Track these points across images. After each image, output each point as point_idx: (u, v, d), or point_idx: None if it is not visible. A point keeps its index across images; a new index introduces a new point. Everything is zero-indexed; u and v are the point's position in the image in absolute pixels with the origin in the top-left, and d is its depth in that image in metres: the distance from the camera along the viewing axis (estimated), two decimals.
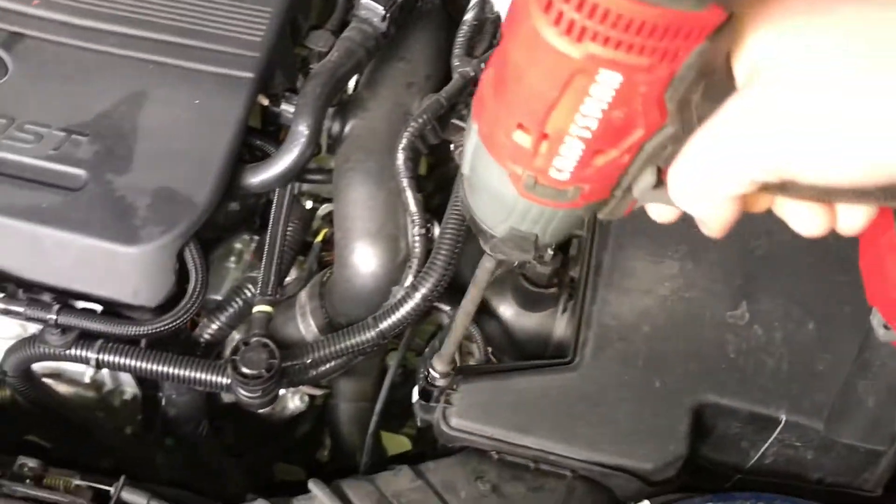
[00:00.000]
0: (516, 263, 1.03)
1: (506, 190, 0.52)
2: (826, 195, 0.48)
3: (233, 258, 1.12)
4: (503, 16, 1.03)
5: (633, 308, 0.98)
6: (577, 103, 0.44)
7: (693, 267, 1.00)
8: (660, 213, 0.55)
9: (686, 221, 1.03)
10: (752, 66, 0.46)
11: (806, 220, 0.51)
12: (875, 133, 0.43)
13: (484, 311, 1.11)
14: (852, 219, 0.51)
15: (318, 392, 1.19)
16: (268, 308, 0.97)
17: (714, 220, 0.51)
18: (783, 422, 0.94)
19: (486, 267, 0.71)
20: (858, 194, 0.47)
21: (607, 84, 0.43)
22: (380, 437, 1.24)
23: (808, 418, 0.94)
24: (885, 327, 0.60)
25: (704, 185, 0.48)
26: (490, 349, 1.10)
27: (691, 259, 1.01)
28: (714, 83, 0.46)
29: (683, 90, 0.44)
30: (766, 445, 0.98)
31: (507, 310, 1.10)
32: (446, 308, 1.04)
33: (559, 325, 1.08)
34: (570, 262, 1.10)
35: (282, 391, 1.14)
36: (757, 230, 1.02)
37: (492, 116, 0.49)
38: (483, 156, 0.52)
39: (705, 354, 0.96)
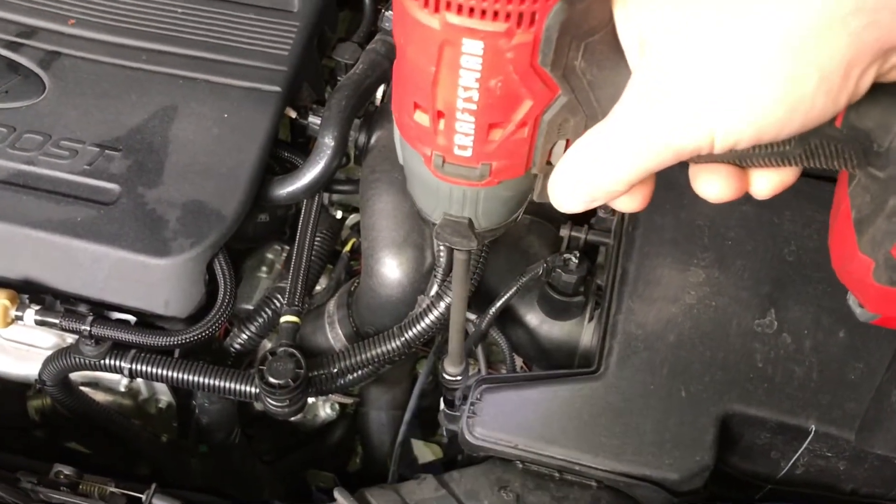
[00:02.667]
0: (541, 272, 1.03)
1: (426, 173, 0.53)
2: (741, 159, 0.49)
3: (264, 268, 1.14)
4: None
5: (658, 317, 0.97)
6: (454, 76, 0.46)
7: (720, 275, 0.99)
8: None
9: (712, 229, 1.02)
10: (639, 38, 0.46)
11: (717, 187, 0.52)
12: (760, 76, 0.43)
13: (511, 320, 1.11)
14: (764, 182, 0.52)
15: (348, 401, 1.20)
16: (295, 318, 0.99)
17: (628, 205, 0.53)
18: (813, 432, 0.93)
19: (458, 258, 0.70)
20: (774, 154, 0.48)
21: (473, 53, 0.44)
22: (409, 445, 1.25)
23: (838, 429, 0.92)
24: (861, 307, 0.59)
25: (606, 175, 0.49)
26: (519, 358, 1.10)
27: (718, 267, 1.00)
28: (597, 48, 0.47)
29: (554, 55, 0.45)
30: (797, 456, 0.96)
31: (533, 318, 1.10)
32: (472, 317, 1.05)
33: (586, 334, 1.08)
34: (596, 270, 1.10)
35: (311, 400, 1.16)
36: (786, 235, 1.01)
37: (397, 99, 0.52)
38: (404, 143, 0.53)
39: (732, 363, 0.95)
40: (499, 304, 1.02)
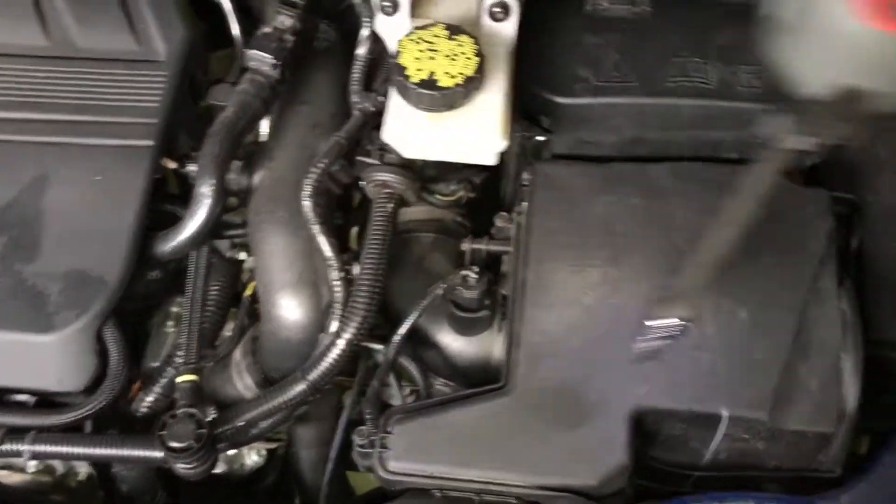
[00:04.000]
0: (441, 293, 1.01)
1: (848, 26, 0.45)
2: None
3: (170, 322, 1.11)
4: (391, 48, 1.01)
5: (559, 322, 0.97)
6: None
7: (616, 271, 0.99)
8: None
9: (605, 226, 1.02)
10: None
11: None
12: None
13: (423, 342, 1.09)
14: None
15: (273, 445, 1.18)
16: (191, 377, 0.96)
17: None
18: (726, 418, 0.92)
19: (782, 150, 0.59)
20: None
21: None
22: (345, 480, 1.23)
23: (750, 410, 0.92)
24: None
25: None
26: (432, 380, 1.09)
27: (613, 264, 0.99)
28: None
29: None
30: (715, 442, 0.96)
31: (444, 337, 1.08)
32: (378, 347, 1.03)
33: (497, 347, 1.06)
34: (500, 280, 1.09)
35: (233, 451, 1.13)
36: (679, 224, 1.01)
37: None
38: None
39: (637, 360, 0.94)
40: (402, 331, 1.01)
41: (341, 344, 0.95)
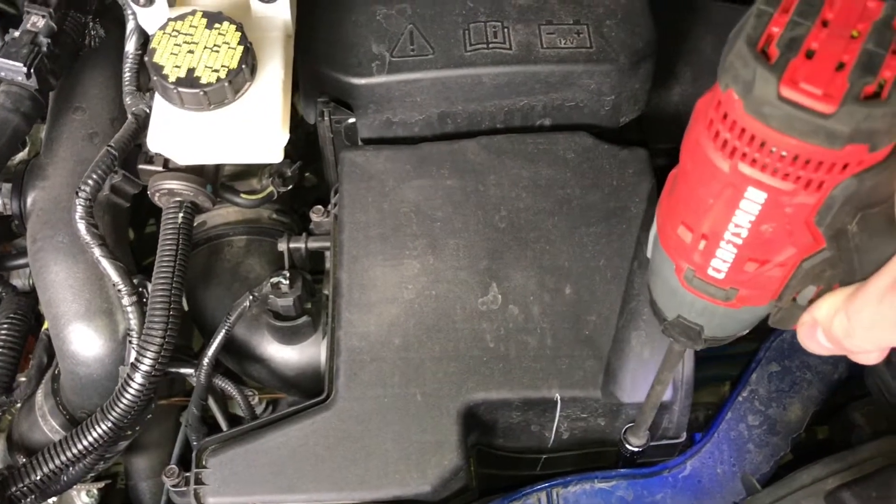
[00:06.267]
0: (248, 305, 0.94)
1: (673, 279, 0.57)
2: None
3: None
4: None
5: (379, 322, 0.90)
6: (728, 212, 0.49)
7: (435, 260, 0.93)
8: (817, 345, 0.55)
9: (419, 213, 0.95)
10: None
11: None
12: None
13: (247, 356, 1.02)
14: None
15: (100, 484, 1.08)
16: None
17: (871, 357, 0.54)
18: (559, 400, 0.88)
19: (675, 351, 0.71)
20: None
21: (754, 200, 0.47)
22: None
23: (583, 390, 0.88)
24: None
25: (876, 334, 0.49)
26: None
27: (431, 252, 0.93)
28: (872, 218, 0.48)
29: (831, 219, 0.47)
30: (555, 425, 0.92)
31: (268, 348, 1.01)
32: (189, 371, 0.94)
33: (324, 352, 0.99)
34: (324, 280, 1.02)
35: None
36: (495, 202, 0.95)
37: (665, 210, 0.56)
38: (658, 245, 0.57)
39: (463, 351, 0.89)
40: (210, 353, 0.92)
41: (138, 378, 0.86)
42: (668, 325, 0.62)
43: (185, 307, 1.00)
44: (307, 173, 1.22)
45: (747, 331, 0.62)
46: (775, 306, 0.55)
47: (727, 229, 0.50)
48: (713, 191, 0.49)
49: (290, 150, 1.10)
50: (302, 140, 1.12)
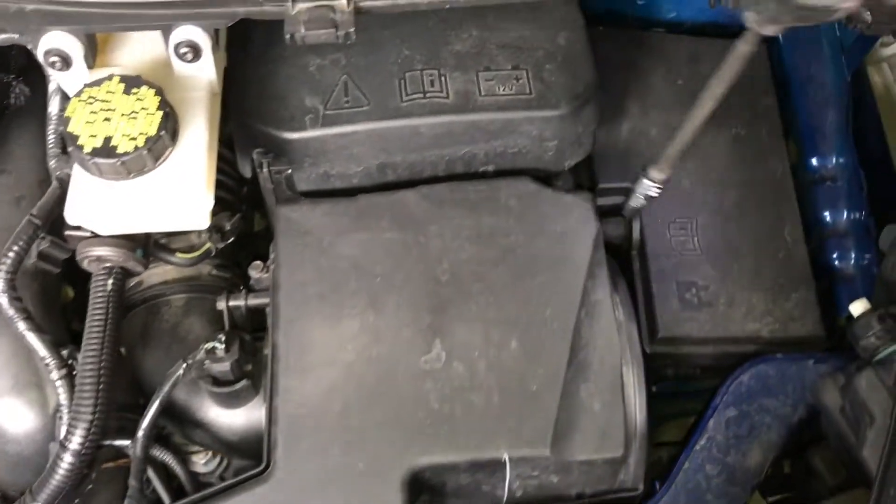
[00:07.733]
0: (182, 374, 0.90)
1: None
2: None
3: None
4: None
5: (318, 388, 0.87)
6: None
7: (375, 318, 0.89)
8: None
9: (359, 269, 0.92)
10: None
11: None
12: None
13: (189, 420, 0.98)
14: None
15: None
16: None
17: None
18: (507, 460, 0.85)
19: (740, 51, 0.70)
20: None
21: None
22: None
23: (531, 448, 0.85)
24: None
25: None
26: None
27: (372, 310, 0.90)
28: None
29: None
30: (507, 484, 0.89)
31: (210, 412, 0.97)
32: (125, 442, 0.90)
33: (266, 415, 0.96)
34: (265, 338, 0.98)
35: None
36: (437, 254, 0.92)
37: None
38: None
39: (406, 415, 0.86)
40: (145, 424, 0.89)
41: (68, 457, 0.82)
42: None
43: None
44: (257, 214, 1.19)
45: None
46: None
47: None
48: None
49: (232, 200, 1.08)
50: (248, 183, 1.08)
